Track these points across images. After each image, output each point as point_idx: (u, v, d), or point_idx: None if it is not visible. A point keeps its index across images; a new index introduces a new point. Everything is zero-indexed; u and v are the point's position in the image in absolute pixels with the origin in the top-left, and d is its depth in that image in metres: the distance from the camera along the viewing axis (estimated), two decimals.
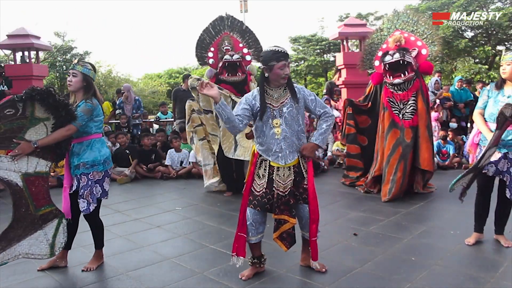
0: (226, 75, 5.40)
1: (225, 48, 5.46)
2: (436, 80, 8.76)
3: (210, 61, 5.55)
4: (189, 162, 6.99)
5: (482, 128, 3.34)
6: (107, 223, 4.39)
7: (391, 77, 5.14)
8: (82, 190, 3.09)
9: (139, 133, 8.68)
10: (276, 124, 2.81)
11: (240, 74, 5.42)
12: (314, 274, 3.01)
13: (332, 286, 2.83)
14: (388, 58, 5.11)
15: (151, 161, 7.24)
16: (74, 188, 3.11)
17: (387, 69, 5.16)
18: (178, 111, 8.28)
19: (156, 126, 10.12)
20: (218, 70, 5.47)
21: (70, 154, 3.13)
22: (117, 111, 8.81)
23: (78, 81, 3.11)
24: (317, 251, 2.98)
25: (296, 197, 2.90)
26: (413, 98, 5.14)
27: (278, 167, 2.85)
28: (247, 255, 3.01)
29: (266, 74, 2.81)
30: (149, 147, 7.48)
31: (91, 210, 3.13)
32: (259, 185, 2.88)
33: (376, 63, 5.44)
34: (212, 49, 5.56)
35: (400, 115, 5.19)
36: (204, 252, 3.54)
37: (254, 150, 2.98)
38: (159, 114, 9.91)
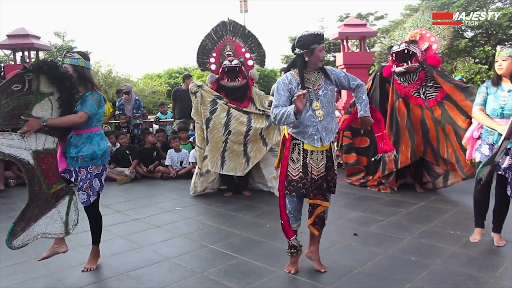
0: (226, 80, 5.37)
1: (226, 53, 5.44)
2: None
3: (212, 66, 5.51)
4: (189, 162, 6.99)
5: (488, 122, 3.29)
6: (107, 223, 4.40)
7: (395, 65, 5.25)
8: (81, 183, 3.07)
9: (140, 133, 8.68)
10: (316, 107, 2.84)
11: (240, 79, 5.37)
12: (314, 274, 3.01)
13: (332, 286, 2.83)
14: (394, 48, 5.24)
15: (152, 158, 7.25)
16: (73, 178, 3.09)
17: (393, 58, 5.26)
18: (178, 111, 8.27)
19: (156, 126, 10.11)
20: (219, 76, 5.44)
21: (67, 144, 3.09)
22: (117, 112, 8.78)
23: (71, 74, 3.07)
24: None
25: (328, 182, 2.92)
26: (426, 84, 5.19)
27: (311, 151, 2.86)
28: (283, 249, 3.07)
29: (307, 58, 2.83)
30: (151, 145, 7.48)
31: (91, 202, 3.13)
32: (294, 169, 2.89)
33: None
34: (214, 54, 5.52)
35: (423, 96, 5.23)
36: (204, 252, 3.54)
37: (285, 134, 3.00)
38: (158, 114, 9.91)
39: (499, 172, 3.30)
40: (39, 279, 3.08)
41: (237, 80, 5.37)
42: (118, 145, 7.52)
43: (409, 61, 5.10)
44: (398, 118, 5.32)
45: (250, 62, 5.59)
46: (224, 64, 5.34)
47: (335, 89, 2.98)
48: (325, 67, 2.94)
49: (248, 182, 5.73)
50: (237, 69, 5.36)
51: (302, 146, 2.87)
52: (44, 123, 2.87)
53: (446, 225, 4.07)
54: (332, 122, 2.90)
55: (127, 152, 7.22)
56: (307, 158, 2.86)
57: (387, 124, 5.38)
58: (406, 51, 5.10)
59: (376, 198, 5.17)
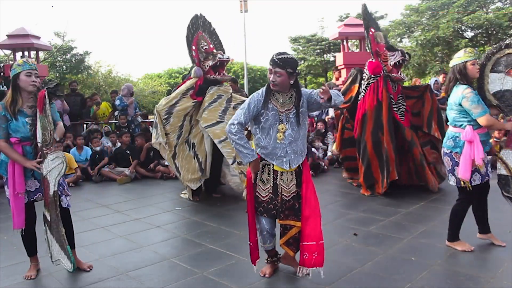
0: (218, 74, 5.33)
1: (204, 47, 5.42)
2: (436, 80, 8.76)
3: (195, 59, 5.47)
4: None
5: (504, 125, 3.19)
6: (107, 223, 4.41)
7: (400, 74, 5.28)
8: (61, 188, 3.05)
9: (140, 132, 8.67)
10: (282, 129, 2.79)
11: (225, 73, 5.43)
12: (314, 274, 3.00)
13: (332, 286, 2.83)
14: (406, 55, 5.28)
15: (150, 158, 7.25)
16: (40, 193, 3.02)
17: (398, 64, 5.25)
18: None
19: None
20: (207, 70, 5.33)
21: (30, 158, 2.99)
22: (118, 112, 8.73)
23: (39, 82, 3.05)
24: (323, 256, 2.84)
25: (299, 199, 2.88)
26: (401, 98, 5.31)
27: (281, 172, 2.84)
28: (263, 256, 3.06)
29: None
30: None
31: (69, 203, 3.16)
32: (264, 190, 2.85)
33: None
34: (193, 47, 5.48)
35: (398, 114, 5.27)
36: (204, 252, 3.54)
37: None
38: None
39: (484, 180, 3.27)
40: (39, 279, 3.08)
41: (226, 74, 5.42)
42: (118, 144, 7.52)
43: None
44: (385, 120, 5.20)
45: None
46: (219, 58, 5.31)
47: (307, 112, 2.90)
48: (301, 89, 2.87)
49: (217, 184, 5.70)
50: (225, 63, 5.41)
51: (272, 167, 2.85)
52: (62, 141, 2.89)
53: (446, 225, 4.05)
54: (303, 144, 2.88)
55: (128, 152, 7.21)
56: (277, 179, 2.84)
57: (371, 121, 5.23)
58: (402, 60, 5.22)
59: (376, 198, 5.17)
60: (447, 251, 3.38)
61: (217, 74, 5.33)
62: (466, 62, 3.24)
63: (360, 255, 3.35)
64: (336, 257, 3.30)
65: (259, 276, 3.00)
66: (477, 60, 3.25)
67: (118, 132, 8.00)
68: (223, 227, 4.19)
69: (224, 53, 5.53)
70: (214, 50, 5.46)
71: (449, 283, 2.81)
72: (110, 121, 9.00)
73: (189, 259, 3.40)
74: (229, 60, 5.43)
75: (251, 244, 2.93)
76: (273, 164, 2.83)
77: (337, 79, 8.85)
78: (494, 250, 3.37)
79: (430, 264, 3.12)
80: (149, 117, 11.70)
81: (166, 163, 7.10)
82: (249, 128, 3.02)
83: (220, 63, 5.33)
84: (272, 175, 2.84)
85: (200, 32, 5.55)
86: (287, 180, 2.84)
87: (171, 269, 3.20)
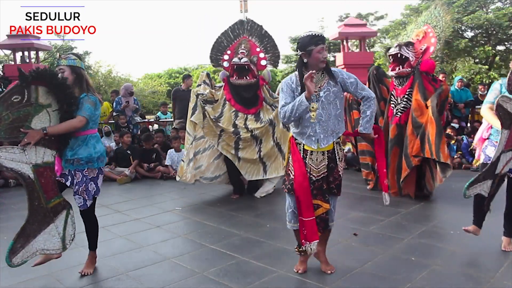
0: (235, 78, 5.31)
1: (240, 51, 5.38)
2: None
3: (225, 63, 5.47)
4: None
5: (494, 122, 3.14)
6: (107, 223, 4.41)
7: (390, 68, 5.26)
8: (77, 187, 3.02)
9: (139, 132, 8.67)
10: (313, 108, 2.81)
11: (248, 77, 5.28)
12: (314, 274, 3.01)
13: (332, 286, 2.83)
14: (391, 50, 5.22)
15: (152, 160, 7.25)
16: (68, 182, 3.02)
17: (391, 61, 5.23)
18: (177, 111, 8.26)
19: (156, 126, 10.11)
20: (229, 73, 5.38)
21: None
22: (117, 113, 8.72)
23: (68, 75, 3.02)
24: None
25: (329, 184, 2.90)
26: (407, 95, 5.13)
27: (311, 151, 2.85)
28: (292, 246, 3.09)
29: (305, 60, 2.82)
30: (151, 146, 7.48)
31: (88, 206, 3.08)
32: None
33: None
34: (228, 52, 5.49)
35: (395, 110, 5.21)
36: (204, 252, 3.54)
37: (290, 136, 2.98)
38: (159, 113, 9.91)
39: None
40: (39, 279, 3.08)
41: (245, 78, 5.28)
42: (119, 144, 7.52)
43: (401, 66, 5.06)
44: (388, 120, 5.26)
45: (263, 62, 5.51)
46: (233, 61, 5.28)
47: (342, 91, 2.91)
48: (332, 68, 2.91)
49: (242, 184, 5.66)
50: (246, 67, 5.26)
51: (303, 147, 2.87)
52: (44, 132, 2.83)
53: (446, 225, 4.07)
54: (335, 124, 2.85)
55: (128, 152, 7.22)
56: (307, 159, 2.86)
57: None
58: (399, 55, 5.03)
59: (376, 198, 5.16)
60: (447, 251, 3.38)
61: (236, 78, 5.30)
62: None
63: (360, 255, 3.35)
64: (336, 257, 3.29)
65: (260, 276, 3.00)
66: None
67: (121, 131, 8.01)
68: (223, 227, 4.19)
69: (277, 56, 5.60)
70: (261, 54, 5.48)
71: (449, 283, 2.81)
72: (109, 121, 9.00)
73: (189, 259, 3.40)
74: (247, 64, 5.25)
75: (304, 219, 2.83)
76: (303, 144, 2.86)
77: None
78: (494, 250, 3.36)
79: (430, 264, 3.12)
80: (149, 117, 11.73)
81: (166, 163, 7.12)
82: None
83: (238, 66, 5.26)
84: (302, 155, 2.86)
85: (244, 36, 5.55)
86: (316, 160, 2.85)
87: (171, 269, 3.20)
